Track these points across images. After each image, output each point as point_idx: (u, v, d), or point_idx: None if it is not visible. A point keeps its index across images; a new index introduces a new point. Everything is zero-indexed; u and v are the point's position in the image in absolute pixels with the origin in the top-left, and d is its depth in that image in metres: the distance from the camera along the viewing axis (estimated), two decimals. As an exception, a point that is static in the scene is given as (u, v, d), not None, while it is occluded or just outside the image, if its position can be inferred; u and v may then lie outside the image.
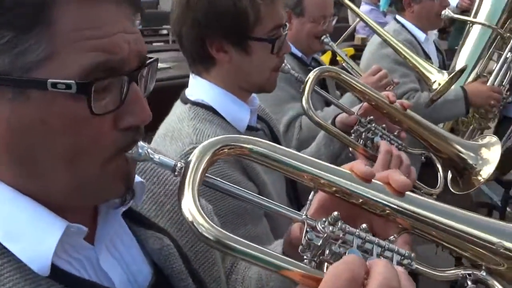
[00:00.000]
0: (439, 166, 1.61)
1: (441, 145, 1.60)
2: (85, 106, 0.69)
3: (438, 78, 2.51)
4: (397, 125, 1.63)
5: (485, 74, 2.91)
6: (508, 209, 2.54)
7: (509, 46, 2.85)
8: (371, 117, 1.57)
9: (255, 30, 1.46)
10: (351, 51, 3.81)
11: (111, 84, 0.71)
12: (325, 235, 0.75)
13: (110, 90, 0.72)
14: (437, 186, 1.60)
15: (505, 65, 2.86)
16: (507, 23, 2.89)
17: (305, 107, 1.50)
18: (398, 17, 3.11)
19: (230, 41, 1.48)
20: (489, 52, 2.91)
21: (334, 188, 0.84)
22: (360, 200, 0.84)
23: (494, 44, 2.90)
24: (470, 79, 2.92)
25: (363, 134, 1.55)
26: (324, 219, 0.78)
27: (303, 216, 0.80)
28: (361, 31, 6.00)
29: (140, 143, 0.79)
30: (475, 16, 2.96)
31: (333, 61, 3.87)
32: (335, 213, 0.77)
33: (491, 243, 0.82)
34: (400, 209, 0.83)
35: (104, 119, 0.72)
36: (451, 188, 1.65)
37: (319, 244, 0.76)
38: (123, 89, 0.72)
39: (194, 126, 1.45)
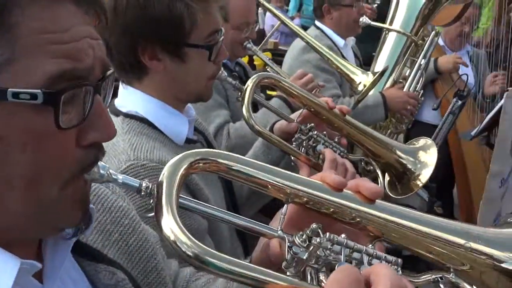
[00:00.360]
0: (379, 171, 1.65)
1: (381, 150, 1.64)
2: (50, 119, 0.62)
3: (363, 79, 2.60)
4: (336, 131, 1.65)
5: (401, 80, 3.05)
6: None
7: (422, 53, 3.01)
8: (312, 124, 1.57)
9: (191, 36, 1.41)
10: (269, 55, 3.84)
11: (76, 95, 0.65)
12: (312, 248, 0.74)
13: (74, 102, 0.65)
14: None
15: (419, 72, 3.03)
16: (420, 31, 3.05)
17: (245, 116, 1.48)
18: (317, 23, 3.19)
19: (164, 48, 1.41)
20: (405, 59, 3.05)
21: (305, 199, 0.83)
22: (332, 210, 0.84)
23: (409, 51, 3.05)
24: (388, 85, 3.05)
25: (305, 142, 1.55)
26: (301, 232, 0.78)
27: (279, 232, 0.80)
28: (270, 35, 6.10)
29: (101, 162, 0.73)
30: (391, 23, 3.10)
31: (250, 65, 3.88)
32: (314, 225, 0.77)
33: (460, 245, 0.84)
34: (374, 217, 0.84)
35: (68, 134, 0.66)
36: (388, 192, 1.69)
37: (304, 257, 0.75)
38: (87, 101, 0.66)
39: (130, 140, 1.36)
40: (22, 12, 0.60)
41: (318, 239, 0.74)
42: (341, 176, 1.41)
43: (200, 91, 1.51)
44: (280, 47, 5.41)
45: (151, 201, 0.77)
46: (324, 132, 1.58)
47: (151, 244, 0.99)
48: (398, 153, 1.63)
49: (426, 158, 1.61)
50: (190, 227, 1.30)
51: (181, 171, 0.74)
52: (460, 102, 2.66)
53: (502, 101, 2.75)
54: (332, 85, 2.90)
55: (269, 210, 1.93)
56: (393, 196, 1.69)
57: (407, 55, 3.05)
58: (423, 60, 3.01)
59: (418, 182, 1.61)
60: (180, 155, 0.77)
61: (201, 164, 0.77)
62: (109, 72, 0.72)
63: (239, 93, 1.62)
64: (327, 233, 0.75)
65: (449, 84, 3.82)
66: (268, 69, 2.63)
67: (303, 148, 1.56)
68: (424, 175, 1.61)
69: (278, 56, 4.10)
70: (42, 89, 0.61)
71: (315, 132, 1.55)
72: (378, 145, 1.64)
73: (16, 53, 0.60)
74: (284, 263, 0.76)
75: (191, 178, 1.36)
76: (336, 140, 1.61)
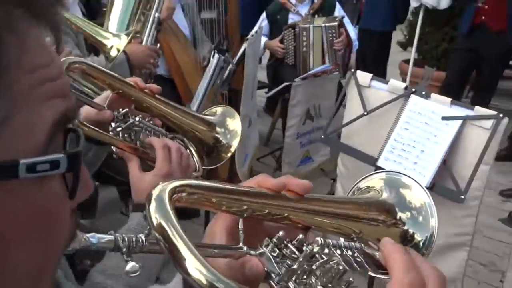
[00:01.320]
0: (191, 148, 1.64)
1: (194, 126, 1.63)
2: (63, 190, 0.49)
3: (115, 42, 2.45)
4: (145, 111, 1.57)
5: (137, 35, 2.99)
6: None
7: (154, 6, 3.01)
8: (126, 109, 1.46)
9: None
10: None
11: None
12: (301, 258, 0.75)
13: None
14: (197, 169, 1.63)
15: (154, 25, 3.03)
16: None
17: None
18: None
19: None
20: (138, 13, 2.99)
21: (245, 207, 0.81)
22: (267, 211, 0.84)
23: (141, 4, 2.99)
24: (126, 41, 2.95)
25: (124, 131, 1.44)
26: (265, 243, 0.79)
27: (245, 248, 0.78)
28: None
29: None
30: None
31: None
32: (281, 233, 0.79)
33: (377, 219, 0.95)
34: (307, 210, 0.88)
35: (70, 203, 0.52)
36: (200, 166, 1.71)
37: (295, 267, 0.75)
38: None
39: None
40: (17, 43, 0.43)
41: (310, 247, 0.76)
42: (179, 162, 1.41)
43: None
44: None
45: (124, 256, 0.67)
46: (140, 116, 1.49)
47: None
48: (212, 127, 1.65)
49: (235, 126, 1.68)
50: None
51: (167, 201, 0.67)
52: (222, 57, 2.77)
53: (244, 46, 3.01)
54: (70, 46, 2.66)
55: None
56: (204, 167, 1.72)
57: (140, 9, 2.99)
58: (156, 13, 3.01)
59: (229, 154, 1.67)
60: (156, 188, 0.68)
61: (184, 194, 0.71)
62: None
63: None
64: (318, 239, 0.77)
65: (168, 33, 3.92)
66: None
67: (120, 137, 1.44)
68: (234, 145, 1.67)
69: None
70: (64, 152, 0.46)
71: (137, 118, 1.45)
72: (190, 122, 1.63)
73: (12, 104, 0.43)
74: (277, 278, 0.75)
75: None
76: (150, 121, 1.54)
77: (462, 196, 2.11)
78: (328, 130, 2.58)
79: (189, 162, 1.46)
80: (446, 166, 2.20)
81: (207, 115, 1.74)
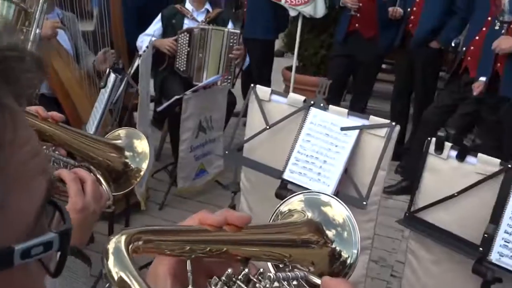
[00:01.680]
0: (100, 176, 1.55)
1: (101, 153, 1.55)
2: (40, 267, 0.47)
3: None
4: (47, 141, 1.47)
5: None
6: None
7: (35, 23, 2.84)
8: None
9: None
10: None
11: None
12: None
13: None
14: (109, 198, 1.55)
15: (35, 43, 2.86)
16: (29, -4, 2.84)
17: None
18: None
19: None
20: (17, 29, 2.79)
21: (188, 247, 0.79)
22: (208, 248, 0.82)
23: (20, 20, 2.81)
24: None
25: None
26: (213, 282, 0.78)
27: None
28: None
29: None
30: (-7, -12, 2.75)
31: None
32: (230, 270, 0.78)
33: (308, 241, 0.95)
34: (246, 243, 0.87)
35: None
36: (110, 194, 1.63)
37: None
38: None
39: None
40: (9, 119, 0.41)
41: (263, 283, 0.76)
42: (95, 193, 1.33)
43: None
44: None
45: None
46: (45, 147, 1.39)
47: None
48: (121, 152, 1.58)
49: (143, 148, 1.62)
50: None
51: (125, 252, 0.64)
52: (119, 76, 2.65)
53: (137, 62, 2.92)
54: None
55: None
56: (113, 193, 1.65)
57: (18, 25, 2.80)
58: (37, 30, 2.84)
59: (138, 178, 1.61)
60: (111, 242, 0.65)
61: (141, 243, 0.68)
62: None
63: None
64: (268, 274, 0.77)
65: (49, 49, 3.70)
66: None
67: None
68: (143, 168, 1.61)
69: None
70: (56, 230, 0.44)
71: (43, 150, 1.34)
72: (98, 149, 1.55)
73: (6, 187, 0.40)
74: None
75: None
76: (55, 151, 1.44)
77: (364, 202, 2.22)
78: (231, 145, 2.58)
79: (102, 192, 1.39)
80: (347, 174, 2.32)
81: (111, 139, 1.67)
